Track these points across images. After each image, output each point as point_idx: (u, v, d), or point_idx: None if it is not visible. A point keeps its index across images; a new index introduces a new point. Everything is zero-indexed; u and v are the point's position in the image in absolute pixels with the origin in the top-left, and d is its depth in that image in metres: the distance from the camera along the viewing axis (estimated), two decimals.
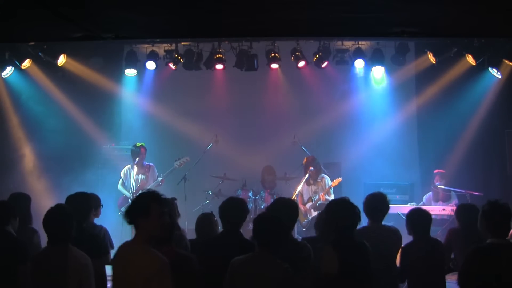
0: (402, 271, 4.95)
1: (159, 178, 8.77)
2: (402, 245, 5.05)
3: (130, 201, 8.33)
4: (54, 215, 4.23)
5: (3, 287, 4.44)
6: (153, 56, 9.58)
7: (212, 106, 10.42)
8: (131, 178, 8.77)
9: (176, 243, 4.30)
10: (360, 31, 7.52)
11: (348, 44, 9.41)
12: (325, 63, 9.42)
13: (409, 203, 8.79)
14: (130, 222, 3.71)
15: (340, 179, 8.65)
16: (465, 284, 3.98)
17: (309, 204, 8.76)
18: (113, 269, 3.75)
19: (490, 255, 3.91)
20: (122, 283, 3.64)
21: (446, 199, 8.70)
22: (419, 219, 4.95)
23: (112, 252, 4.84)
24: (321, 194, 8.60)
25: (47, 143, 9.26)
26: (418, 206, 7.85)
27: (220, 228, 5.10)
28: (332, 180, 8.69)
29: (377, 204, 5.05)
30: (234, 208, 4.78)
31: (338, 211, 4.38)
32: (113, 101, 10.39)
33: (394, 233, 5.05)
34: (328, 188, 8.62)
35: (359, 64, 9.43)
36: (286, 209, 4.69)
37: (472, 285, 3.92)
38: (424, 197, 8.95)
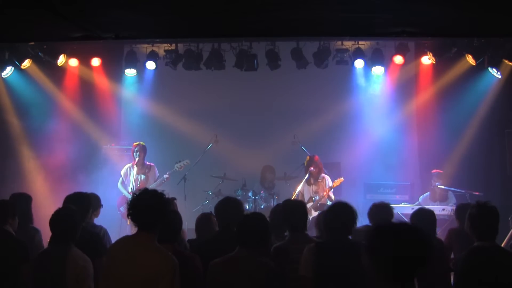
0: None
1: (165, 176, 8.78)
2: None
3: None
4: (61, 216, 4.24)
5: (3, 286, 4.43)
6: (153, 56, 9.58)
7: (212, 106, 10.42)
8: (131, 177, 8.78)
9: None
10: (360, 31, 7.53)
11: (348, 44, 9.41)
12: (325, 63, 9.42)
13: (402, 203, 8.73)
14: (147, 223, 3.55)
15: (341, 179, 8.62)
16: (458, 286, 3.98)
17: (310, 204, 8.75)
18: (114, 264, 3.52)
19: (475, 259, 3.85)
20: (124, 279, 3.44)
21: (443, 199, 8.66)
22: (422, 218, 5.04)
23: None
24: (324, 192, 8.58)
25: (47, 142, 9.27)
26: (421, 206, 7.85)
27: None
28: (333, 180, 8.69)
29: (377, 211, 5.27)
30: (231, 208, 4.80)
31: (329, 213, 4.31)
32: (113, 101, 10.40)
33: None
34: (329, 188, 8.61)
35: (359, 64, 9.44)
36: (297, 210, 4.75)
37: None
38: (421, 197, 8.90)
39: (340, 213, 4.24)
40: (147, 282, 3.40)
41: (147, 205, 3.54)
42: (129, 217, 3.60)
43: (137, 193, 3.61)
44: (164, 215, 3.59)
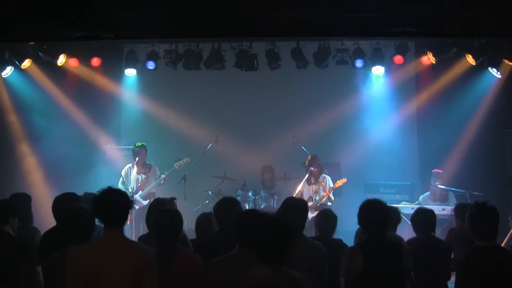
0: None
1: (162, 176, 8.77)
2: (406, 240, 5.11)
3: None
4: (79, 213, 4.21)
5: (2, 287, 4.43)
6: (153, 56, 9.59)
7: (212, 106, 10.44)
8: (131, 177, 8.77)
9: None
10: (360, 31, 7.52)
11: (348, 44, 9.41)
12: (325, 63, 9.43)
13: (402, 203, 8.71)
14: (117, 221, 3.53)
15: (344, 180, 8.60)
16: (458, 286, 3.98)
17: (310, 203, 8.74)
18: (90, 264, 3.39)
19: (476, 259, 3.86)
20: (104, 279, 3.36)
21: (444, 199, 8.66)
22: (423, 218, 5.04)
23: None
24: (325, 192, 8.58)
25: (47, 143, 9.27)
26: (422, 206, 7.84)
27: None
28: (334, 181, 8.68)
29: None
30: (229, 208, 4.79)
31: (369, 210, 4.13)
32: (113, 101, 10.41)
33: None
34: (331, 188, 8.60)
35: (359, 64, 9.44)
36: (295, 209, 4.67)
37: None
38: (421, 197, 8.88)
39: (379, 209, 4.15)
40: (132, 279, 3.37)
41: (113, 202, 3.50)
42: (96, 216, 3.56)
43: (100, 192, 3.55)
44: (128, 211, 3.56)
